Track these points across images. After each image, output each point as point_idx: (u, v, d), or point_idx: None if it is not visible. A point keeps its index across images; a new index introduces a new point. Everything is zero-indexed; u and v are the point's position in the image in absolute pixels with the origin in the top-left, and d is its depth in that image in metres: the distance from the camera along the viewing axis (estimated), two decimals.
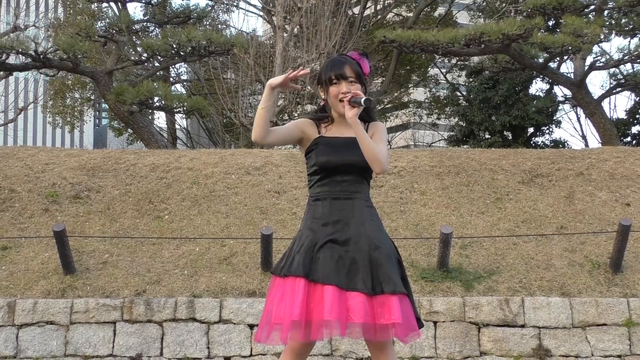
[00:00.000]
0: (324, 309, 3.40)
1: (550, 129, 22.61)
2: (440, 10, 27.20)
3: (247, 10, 29.94)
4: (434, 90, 29.11)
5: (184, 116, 25.51)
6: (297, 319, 3.41)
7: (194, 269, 7.87)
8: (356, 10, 24.56)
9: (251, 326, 7.25)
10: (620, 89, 16.43)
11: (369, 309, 3.44)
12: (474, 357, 7.18)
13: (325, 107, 3.78)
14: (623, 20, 14.62)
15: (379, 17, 26.12)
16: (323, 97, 3.74)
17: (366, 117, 3.76)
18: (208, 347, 7.19)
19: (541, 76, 20.60)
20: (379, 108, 25.81)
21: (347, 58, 3.72)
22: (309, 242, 3.57)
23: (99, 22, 22.82)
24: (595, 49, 17.55)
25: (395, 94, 28.54)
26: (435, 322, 7.27)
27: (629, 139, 21.49)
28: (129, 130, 23.32)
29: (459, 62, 25.57)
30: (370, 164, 3.57)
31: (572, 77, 15.43)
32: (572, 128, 61.98)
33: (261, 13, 25.63)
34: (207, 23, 22.70)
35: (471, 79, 23.12)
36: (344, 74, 3.63)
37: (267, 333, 3.55)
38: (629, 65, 18.95)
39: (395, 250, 3.70)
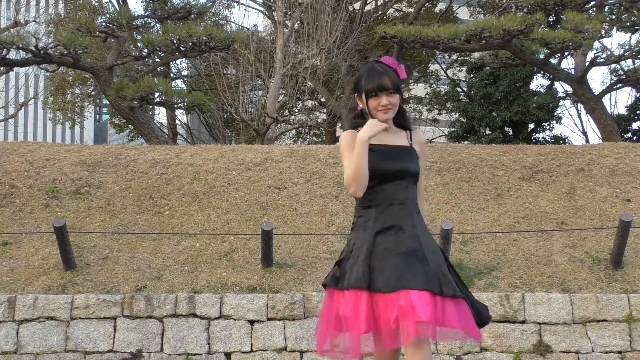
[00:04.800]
0: (391, 314, 3.37)
1: (551, 125, 22.64)
2: (441, 5, 27.17)
3: (248, 6, 29.94)
4: (434, 86, 29.10)
5: (184, 112, 25.55)
6: (365, 332, 3.42)
7: (195, 264, 7.87)
8: (357, 5, 24.53)
9: (251, 322, 7.26)
10: (621, 84, 16.37)
11: (434, 307, 3.41)
12: (474, 354, 7.18)
13: (364, 113, 3.70)
14: (624, 16, 14.58)
15: (380, 12, 26.09)
16: (361, 105, 3.68)
17: (405, 125, 3.77)
18: (208, 343, 7.19)
19: (542, 72, 20.58)
20: None
21: (384, 67, 3.63)
22: (365, 251, 3.54)
23: (100, 18, 22.85)
24: (596, 44, 17.57)
25: None
26: None
27: (629, 134, 21.50)
28: (130, 126, 23.32)
29: (459, 58, 25.54)
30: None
31: (573, 72, 15.40)
32: (572, 124, 61.91)
33: (262, 8, 25.63)
34: (208, 18, 22.68)
35: (472, 75, 23.12)
36: (384, 86, 3.57)
37: (331, 345, 3.57)
38: (629, 61, 18.96)
39: (445, 256, 3.70)
